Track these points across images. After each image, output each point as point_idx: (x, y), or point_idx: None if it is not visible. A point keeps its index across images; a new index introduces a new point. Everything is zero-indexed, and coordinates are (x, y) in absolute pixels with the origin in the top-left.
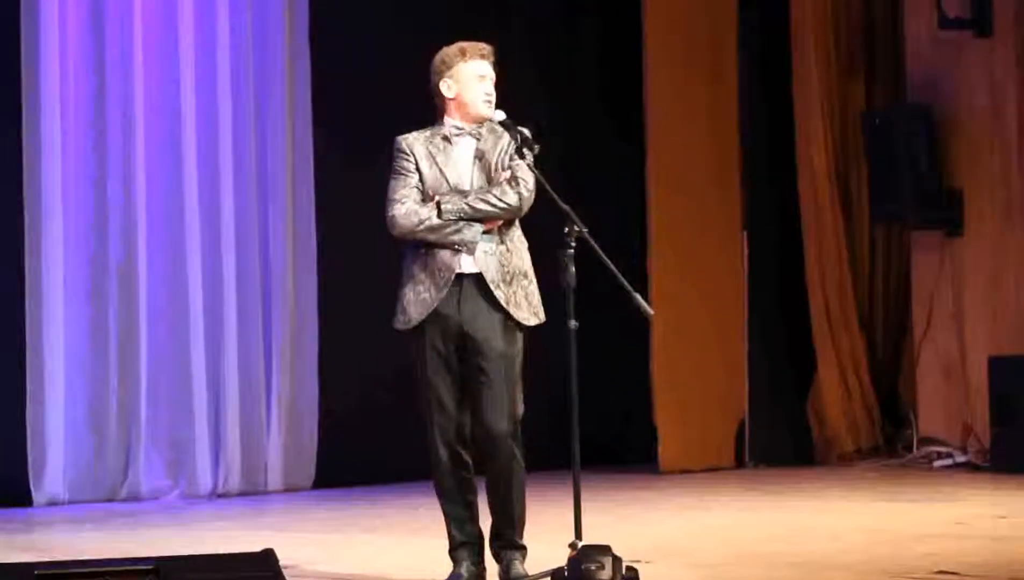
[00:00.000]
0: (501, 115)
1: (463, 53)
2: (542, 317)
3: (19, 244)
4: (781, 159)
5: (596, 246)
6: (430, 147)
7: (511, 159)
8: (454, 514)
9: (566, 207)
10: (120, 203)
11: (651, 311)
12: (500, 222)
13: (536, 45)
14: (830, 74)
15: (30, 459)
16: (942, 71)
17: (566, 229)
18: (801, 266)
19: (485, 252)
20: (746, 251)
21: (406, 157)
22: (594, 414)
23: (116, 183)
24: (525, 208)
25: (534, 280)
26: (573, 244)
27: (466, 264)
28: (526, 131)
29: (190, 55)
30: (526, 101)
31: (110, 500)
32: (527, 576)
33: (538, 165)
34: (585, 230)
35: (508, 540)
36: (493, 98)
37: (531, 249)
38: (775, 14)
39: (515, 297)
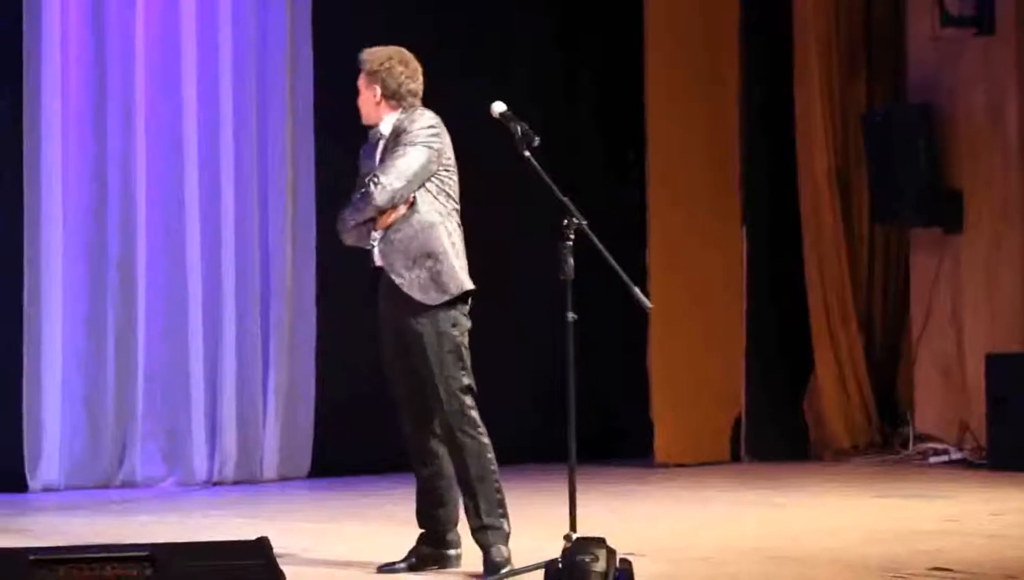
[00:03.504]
0: (502, 106)
1: None
2: (454, 291)
3: (18, 235)
4: (781, 158)
5: (595, 238)
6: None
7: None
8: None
9: (564, 198)
10: (120, 195)
11: (649, 304)
12: (390, 217)
13: (537, 41)
14: (831, 73)
15: (26, 445)
16: (942, 70)
17: (565, 221)
18: (800, 263)
19: (385, 243)
20: (745, 248)
21: None
22: (590, 407)
23: (116, 176)
24: (381, 199)
25: (444, 258)
26: (572, 236)
27: (377, 258)
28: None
29: (191, 47)
30: (527, 98)
31: (106, 487)
32: (508, 562)
33: (536, 158)
34: (584, 222)
35: (479, 522)
36: (361, 109)
37: (530, 242)
38: (777, 13)
39: (418, 280)
